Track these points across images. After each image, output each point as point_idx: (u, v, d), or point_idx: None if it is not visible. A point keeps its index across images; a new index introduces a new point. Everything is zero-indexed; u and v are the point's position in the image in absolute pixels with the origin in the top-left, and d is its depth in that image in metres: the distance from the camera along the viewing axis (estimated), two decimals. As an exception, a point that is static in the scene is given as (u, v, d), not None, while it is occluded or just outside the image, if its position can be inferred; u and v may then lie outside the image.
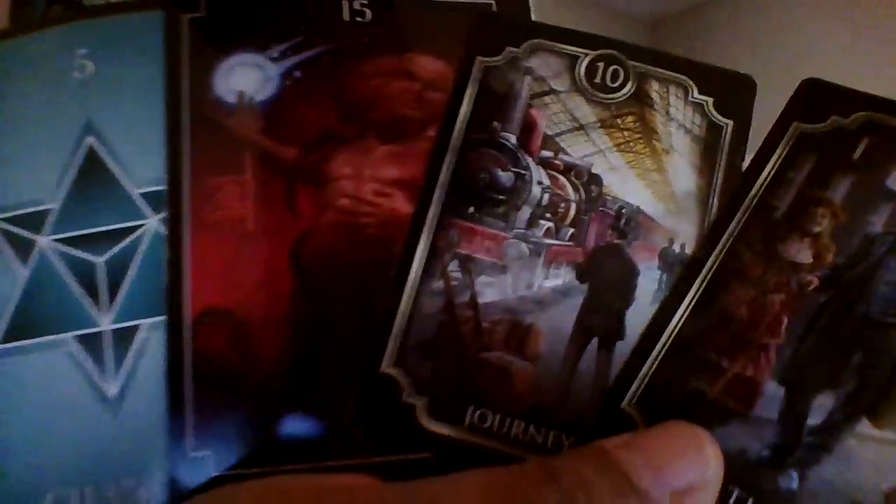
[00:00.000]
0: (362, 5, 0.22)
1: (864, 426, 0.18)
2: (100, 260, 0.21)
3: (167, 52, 0.22)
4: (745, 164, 0.22)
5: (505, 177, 0.22)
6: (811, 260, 0.20)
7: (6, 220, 0.21)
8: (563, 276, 0.22)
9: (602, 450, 0.17)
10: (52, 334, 0.21)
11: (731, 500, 0.19)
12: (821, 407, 0.19)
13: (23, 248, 0.21)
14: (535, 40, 0.23)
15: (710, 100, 0.23)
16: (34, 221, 0.21)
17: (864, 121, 0.21)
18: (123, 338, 0.21)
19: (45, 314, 0.21)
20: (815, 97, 0.22)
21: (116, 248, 0.21)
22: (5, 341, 0.21)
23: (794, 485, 0.18)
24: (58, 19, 0.22)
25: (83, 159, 0.21)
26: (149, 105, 0.21)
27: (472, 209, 0.22)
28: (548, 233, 0.22)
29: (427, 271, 0.21)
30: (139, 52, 0.22)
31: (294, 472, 0.20)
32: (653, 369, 0.20)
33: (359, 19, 0.22)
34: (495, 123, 0.22)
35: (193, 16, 0.22)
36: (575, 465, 0.17)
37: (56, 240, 0.21)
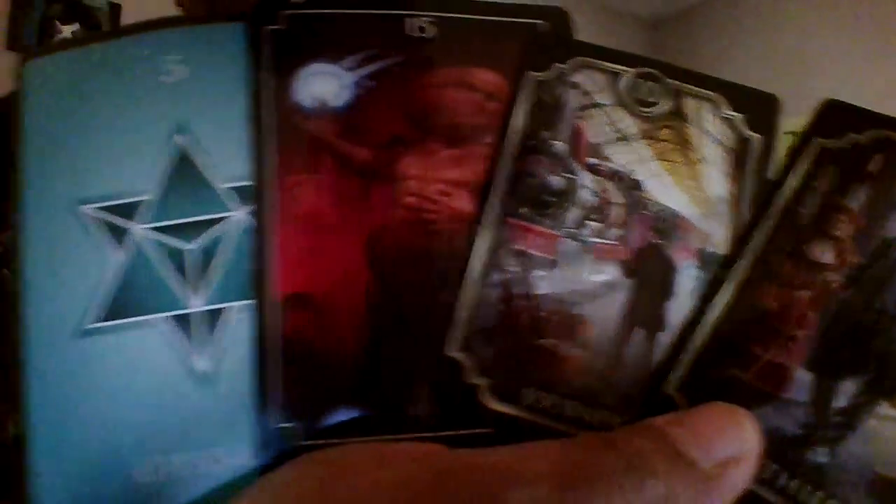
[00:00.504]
0: (427, 22, 0.25)
1: (884, 408, 0.20)
2: (190, 247, 0.23)
3: (250, 61, 0.24)
4: (773, 175, 0.25)
5: (555, 181, 0.24)
6: (834, 261, 0.23)
7: (104, 208, 0.23)
8: (609, 272, 0.24)
9: (653, 426, 0.19)
10: (147, 314, 0.22)
11: (768, 473, 0.21)
12: (845, 391, 0.21)
13: (118, 235, 0.23)
14: (581, 58, 0.25)
15: (740, 116, 0.25)
16: (129, 211, 0.23)
17: (877, 137, 0.24)
18: (213, 319, 0.22)
19: (140, 296, 0.22)
20: (832, 116, 0.25)
21: (205, 237, 0.23)
22: (104, 320, 0.22)
23: (824, 459, 0.20)
24: (150, 26, 0.24)
25: (174, 156, 0.23)
26: (235, 108, 0.23)
27: (526, 210, 0.24)
28: (595, 233, 0.24)
29: (487, 265, 0.23)
30: (226, 59, 0.24)
31: (370, 443, 0.21)
32: (693, 357, 0.23)
33: (423, 35, 0.25)
34: (546, 133, 0.25)
35: (273, 28, 0.24)
36: (630, 436, 0.19)
37: (149, 228, 0.23)
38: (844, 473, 0.20)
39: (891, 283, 0.22)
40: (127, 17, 1.57)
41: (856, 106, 0.25)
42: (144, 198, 0.23)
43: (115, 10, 1.60)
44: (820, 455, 0.21)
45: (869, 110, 0.24)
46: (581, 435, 0.20)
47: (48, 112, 0.24)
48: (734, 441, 0.19)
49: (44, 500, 0.22)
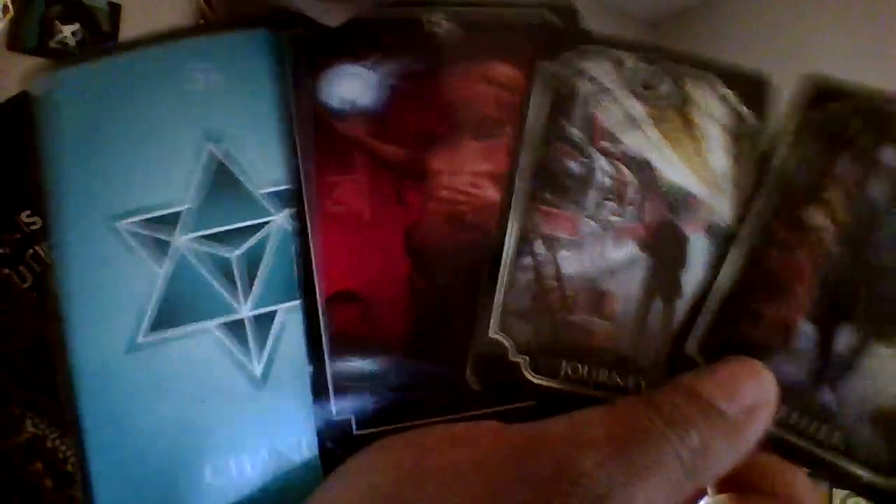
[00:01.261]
0: (441, 19, 0.26)
1: (879, 348, 0.23)
2: (234, 254, 0.23)
3: (275, 65, 0.24)
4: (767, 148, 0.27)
5: (575, 166, 0.26)
6: (826, 222, 0.25)
7: (139, 223, 0.23)
8: (628, 249, 0.26)
9: (682, 383, 0.22)
10: (197, 323, 0.23)
11: (783, 415, 0.23)
12: (843, 337, 0.24)
13: (158, 249, 0.23)
14: (587, 45, 0.27)
15: (734, 94, 0.27)
16: (169, 222, 0.23)
17: (855, 106, 0.27)
18: (263, 322, 0.23)
19: (188, 306, 0.23)
20: (812, 90, 0.27)
21: (248, 243, 0.23)
22: (153, 332, 0.23)
23: (829, 398, 0.23)
24: (166, 37, 0.24)
25: (208, 164, 0.23)
26: (263, 113, 0.24)
27: (550, 195, 0.25)
28: (613, 212, 0.26)
29: (518, 250, 0.25)
30: (251, 65, 0.24)
31: (423, 426, 0.23)
32: (709, 320, 0.25)
33: (439, 32, 0.25)
34: (562, 120, 0.26)
35: (296, 32, 0.24)
36: (667, 396, 0.21)
37: (190, 239, 0.23)
38: (848, 408, 0.23)
39: (876, 237, 0.25)
40: (127, 17, 1.50)
41: (832, 78, 0.27)
42: (183, 208, 0.23)
43: (115, 10, 1.53)
44: (826, 394, 0.23)
45: (845, 80, 0.27)
46: (623, 400, 0.22)
47: (72, 126, 0.23)
48: (754, 389, 0.22)
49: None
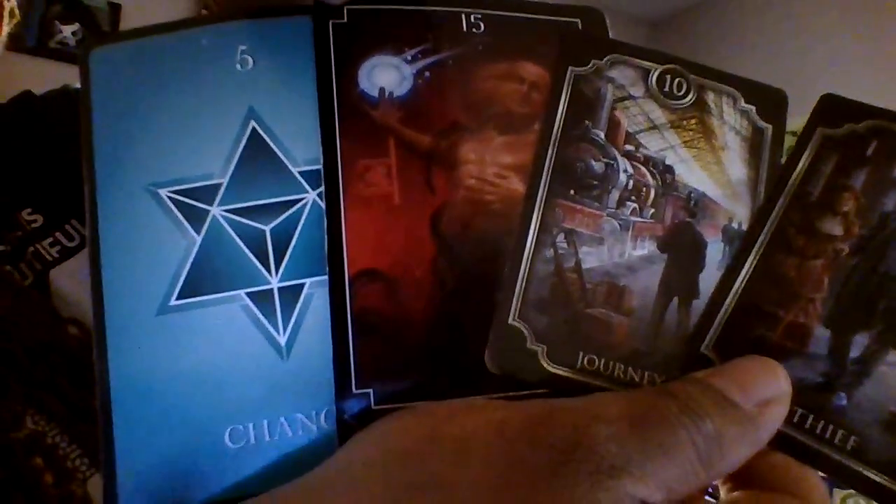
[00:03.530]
0: (477, 19, 0.27)
1: (893, 356, 0.24)
2: (267, 227, 0.24)
3: (317, 52, 0.25)
4: (783, 160, 0.28)
5: (597, 166, 0.27)
6: (842, 233, 0.26)
7: (180, 192, 0.24)
8: (647, 248, 0.26)
9: (697, 377, 0.22)
10: (226, 291, 0.24)
11: (797, 417, 0.23)
12: (858, 343, 0.24)
13: (196, 217, 0.24)
14: (615, 54, 0.28)
15: (754, 108, 0.28)
16: (206, 194, 0.24)
17: (872, 127, 0.27)
18: (290, 294, 0.24)
19: (219, 273, 0.24)
20: (831, 108, 0.28)
21: (281, 218, 0.24)
22: (183, 297, 0.23)
23: (844, 402, 0.23)
24: (217, 19, 0.25)
25: (247, 141, 0.24)
26: (304, 96, 0.25)
27: (572, 192, 0.26)
28: (633, 212, 0.27)
29: (539, 242, 0.26)
30: (294, 50, 0.25)
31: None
32: (724, 321, 0.25)
33: (475, 30, 0.27)
34: (587, 122, 0.27)
35: (337, 21, 0.26)
36: (682, 386, 0.21)
37: (227, 210, 0.24)
38: (862, 413, 0.23)
39: (890, 250, 0.25)
40: (127, 17, 1.56)
41: (851, 100, 0.28)
42: (220, 181, 0.24)
43: (115, 9, 1.59)
44: (840, 399, 0.24)
45: (864, 103, 0.28)
46: (640, 388, 0.22)
47: (117, 99, 0.25)
48: (769, 385, 0.22)
49: (131, 471, 0.23)
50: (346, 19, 0.26)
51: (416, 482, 0.18)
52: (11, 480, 0.37)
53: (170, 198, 0.24)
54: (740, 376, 0.22)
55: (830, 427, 0.23)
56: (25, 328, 0.34)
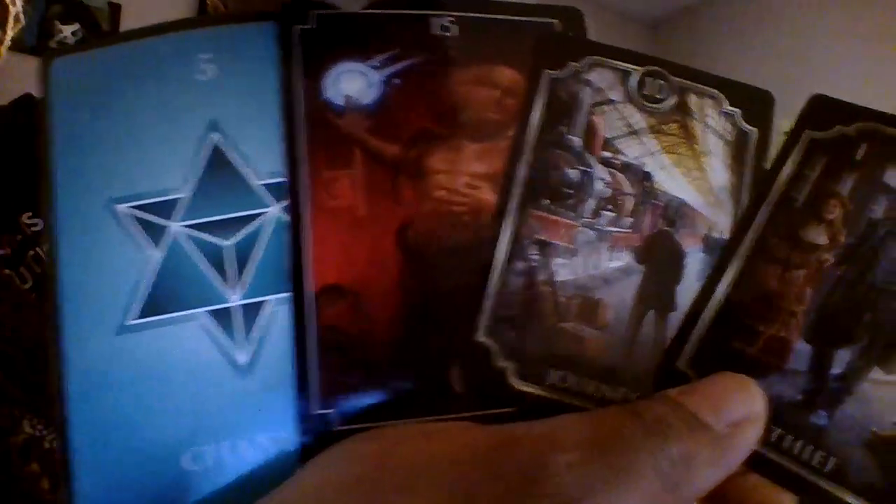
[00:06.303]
0: (449, 22, 0.26)
1: (877, 373, 0.23)
2: (227, 243, 0.23)
3: (282, 60, 0.25)
4: (769, 165, 0.27)
5: (573, 174, 0.26)
6: (827, 242, 0.25)
7: (138, 207, 0.23)
8: (623, 259, 0.25)
9: (668, 396, 0.21)
10: (186, 310, 0.23)
11: (774, 437, 0.23)
12: (841, 359, 0.23)
13: (156, 233, 0.23)
14: (593, 57, 0.27)
15: (739, 111, 0.27)
16: (166, 209, 0.23)
17: (862, 129, 0.26)
18: (252, 312, 0.23)
19: (179, 292, 0.23)
20: (820, 110, 0.27)
21: (242, 233, 0.23)
22: (143, 316, 0.23)
23: (823, 421, 0.23)
24: (180, 25, 0.25)
25: (209, 153, 0.24)
26: (267, 106, 0.24)
27: (546, 201, 0.25)
28: (610, 222, 0.26)
29: (511, 254, 0.25)
30: (257, 58, 0.24)
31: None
32: (702, 335, 0.25)
33: (446, 34, 0.26)
34: (563, 128, 0.26)
35: (304, 28, 0.25)
36: (650, 405, 0.21)
37: (187, 225, 0.23)
38: (843, 433, 0.22)
39: (878, 260, 0.24)
40: (127, 17, 1.55)
41: (841, 100, 0.27)
42: (180, 195, 0.24)
43: (115, 10, 1.58)
44: (820, 418, 0.23)
45: (854, 104, 0.27)
46: (607, 407, 0.21)
47: (77, 111, 0.24)
48: (742, 404, 0.21)
49: (88, 495, 0.22)
50: (312, 25, 0.25)
51: None
52: (8, 485, 0.37)
53: (129, 213, 0.23)
54: (713, 395, 0.21)
55: (809, 448, 0.23)
56: (24, 332, 0.34)
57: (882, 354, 0.23)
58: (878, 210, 0.25)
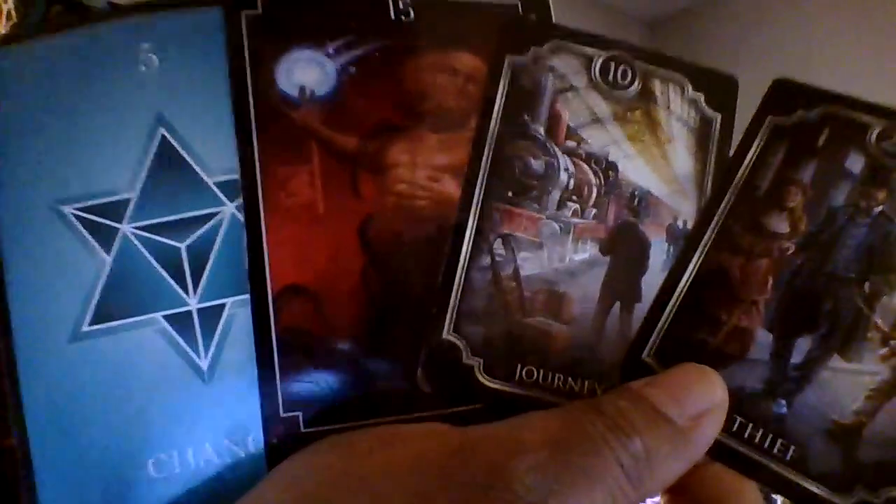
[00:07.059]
0: (406, 5, 0.25)
1: (836, 361, 0.23)
2: (182, 245, 0.22)
3: (229, 48, 0.23)
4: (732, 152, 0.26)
5: (537, 164, 0.25)
6: (788, 230, 0.25)
7: (85, 209, 0.22)
8: (588, 251, 0.25)
9: (631, 389, 0.21)
10: (141, 314, 0.22)
11: (735, 426, 0.23)
12: (801, 348, 0.24)
13: (105, 236, 0.22)
14: (556, 41, 0.26)
15: (702, 96, 0.27)
16: (115, 210, 0.22)
17: (824, 113, 0.26)
18: (210, 315, 0.22)
19: (133, 296, 0.22)
20: (783, 94, 0.27)
21: (197, 234, 0.23)
22: (96, 322, 0.22)
23: (784, 410, 0.23)
24: (116, 14, 0.23)
25: (157, 150, 0.23)
26: (216, 98, 0.23)
27: (510, 194, 0.25)
28: (574, 213, 0.25)
29: (475, 249, 0.24)
30: (203, 47, 0.23)
31: (372, 426, 0.22)
32: (666, 325, 0.25)
33: (403, 18, 0.25)
34: (526, 116, 0.25)
35: (250, 13, 0.24)
36: (613, 399, 0.21)
37: (138, 227, 0.22)
38: (803, 422, 0.23)
39: (838, 248, 0.24)
40: None
41: (803, 83, 0.27)
42: (130, 195, 0.23)
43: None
44: (780, 407, 0.23)
45: (816, 87, 0.26)
46: (570, 403, 0.21)
47: (19, 108, 0.23)
48: (704, 396, 0.22)
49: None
50: (260, 10, 0.24)
51: None
52: (2, 489, 0.36)
53: (76, 215, 0.22)
54: (675, 387, 0.21)
55: (770, 436, 0.23)
56: None
57: (841, 342, 0.23)
58: (839, 197, 0.25)
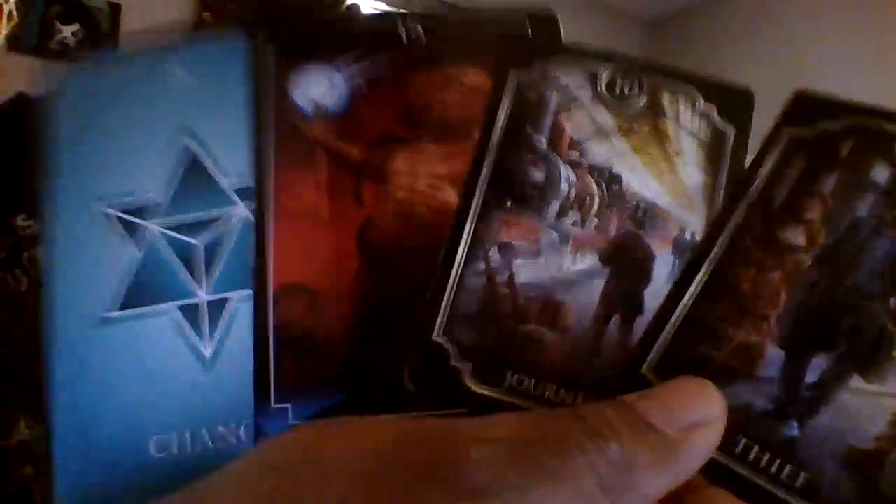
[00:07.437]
0: (414, 24, 0.27)
1: (856, 381, 0.21)
2: (199, 242, 0.25)
3: (250, 68, 0.26)
4: (746, 163, 0.25)
5: (538, 175, 0.26)
6: (804, 242, 0.23)
7: (119, 208, 0.25)
8: (588, 261, 0.25)
9: (621, 400, 0.20)
10: (160, 304, 0.24)
11: (739, 448, 0.21)
12: (816, 366, 0.22)
13: (135, 233, 0.25)
14: (562, 55, 0.27)
15: (715, 108, 0.26)
16: (144, 209, 0.25)
17: (849, 124, 0.25)
18: (216, 308, 0.24)
19: (154, 287, 0.25)
20: (803, 106, 0.25)
21: (213, 233, 0.25)
22: (122, 309, 0.24)
23: (795, 432, 0.21)
24: (157, 48, 0.27)
25: (182, 156, 0.25)
26: (237, 112, 0.26)
27: (509, 202, 0.25)
28: (575, 223, 0.25)
29: (471, 254, 0.25)
30: (229, 67, 0.26)
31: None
32: (668, 339, 0.24)
33: (412, 35, 0.26)
34: (529, 128, 0.26)
35: (271, 34, 0.26)
36: (598, 407, 0.20)
37: (162, 225, 0.25)
38: (816, 446, 0.21)
39: (860, 260, 0.22)
40: (127, 17, 1.55)
41: (826, 95, 0.25)
42: (157, 196, 0.25)
43: (115, 10, 1.60)
44: (791, 429, 0.21)
45: (839, 99, 0.25)
46: (553, 409, 0.21)
47: (75, 119, 0.26)
48: (697, 408, 0.20)
49: (67, 473, 0.24)
50: (279, 32, 0.26)
51: (276, 500, 0.18)
52: (1, 487, 0.39)
53: (111, 213, 0.25)
54: (667, 398, 0.20)
55: (777, 461, 0.21)
56: (20, 333, 0.36)
57: (863, 361, 0.21)
58: (863, 208, 0.23)
